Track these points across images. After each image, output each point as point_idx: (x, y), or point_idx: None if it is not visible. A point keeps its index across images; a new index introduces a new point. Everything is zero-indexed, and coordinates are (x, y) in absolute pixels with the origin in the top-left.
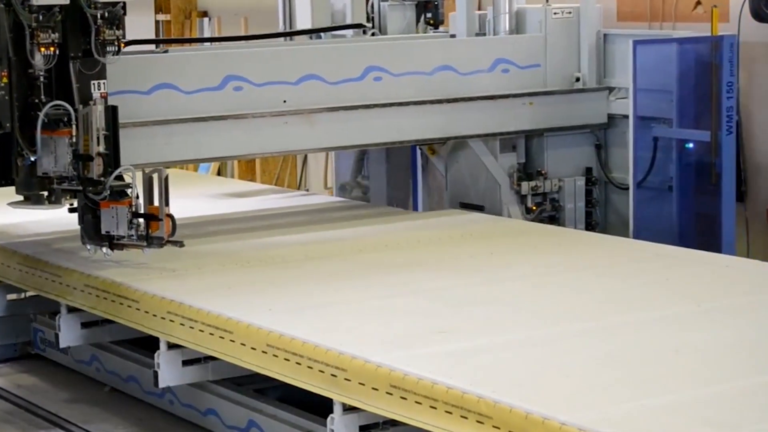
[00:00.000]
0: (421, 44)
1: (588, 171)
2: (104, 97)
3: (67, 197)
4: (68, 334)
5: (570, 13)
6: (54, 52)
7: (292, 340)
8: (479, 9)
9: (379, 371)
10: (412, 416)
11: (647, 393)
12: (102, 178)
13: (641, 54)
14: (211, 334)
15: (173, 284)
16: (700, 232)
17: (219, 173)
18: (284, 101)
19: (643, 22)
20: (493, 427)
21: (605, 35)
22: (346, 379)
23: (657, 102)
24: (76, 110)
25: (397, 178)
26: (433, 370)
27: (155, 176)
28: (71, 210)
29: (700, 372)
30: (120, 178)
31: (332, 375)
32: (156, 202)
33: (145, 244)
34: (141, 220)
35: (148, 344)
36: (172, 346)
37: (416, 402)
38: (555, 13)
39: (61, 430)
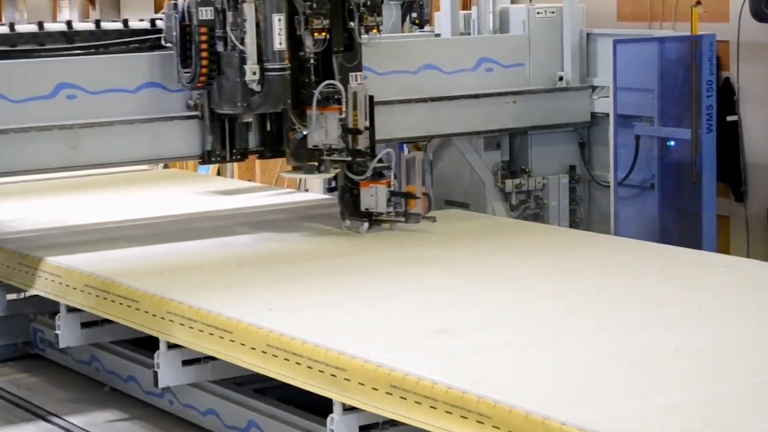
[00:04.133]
0: (406, 44)
1: (572, 169)
2: (360, 85)
3: (335, 167)
4: (68, 334)
5: (553, 12)
6: (325, 37)
7: (292, 340)
8: (465, 9)
9: (379, 371)
10: (412, 416)
11: (647, 393)
12: (368, 150)
13: (623, 53)
14: (211, 334)
15: (173, 284)
16: (682, 229)
17: (219, 173)
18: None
19: (643, 21)
20: (493, 427)
21: (588, 35)
22: (346, 379)
23: (639, 100)
24: (346, 89)
25: None
26: (433, 370)
27: (414, 159)
28: (330, 189)
29: (700, 372)
30: (379, 160)
31: (332, 375)
32: (414, 182)
33: (403, 219)
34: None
35: (148, 344)
36: (171, 346)
37: (416, 402)
38: (538, 13)
39: (60, 429)
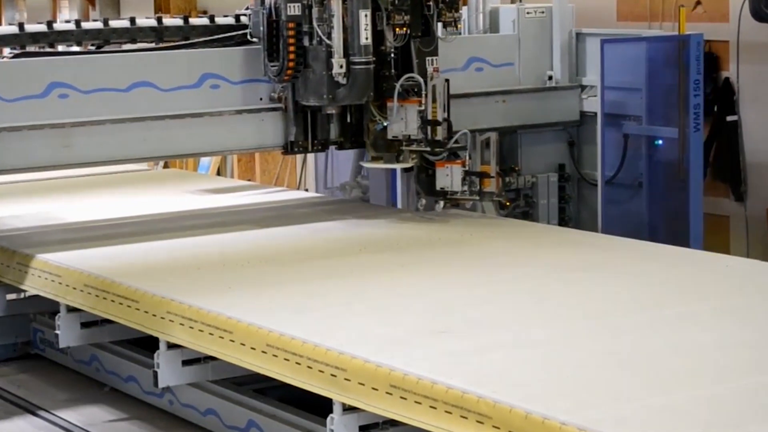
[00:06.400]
0: None
1: (561, 167)
2: (436, 71)
3: (413, 157)
4: (68, 334)
5: (543, 12)
6: (406, 32)
7: (292, 340)
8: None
9: (379, 371)
10: (412, 416)
11: (647, 393)
12: (446, 140)
13: (612, 53)
14: (210, 334)
15: (173, 284)
16: (669, 227)
17: (219, 173)
18: (260, 99)
19: (643, 21)
20: (493, 427)
21: (577, 34)
22: (346, 379)
23: (627, 100)
24: (426, 82)
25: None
26: (433, 370)
27: (489, 139)
28: (406, 170)
29: (700, 372)
30: (455, 141)
31: (332, 375)
32: (488, 162)
33: (477, 198)
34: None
35: (148, 344)
36: (171, 346)
37: (416, 402)
38: (528, 13)
39: (60, 429)
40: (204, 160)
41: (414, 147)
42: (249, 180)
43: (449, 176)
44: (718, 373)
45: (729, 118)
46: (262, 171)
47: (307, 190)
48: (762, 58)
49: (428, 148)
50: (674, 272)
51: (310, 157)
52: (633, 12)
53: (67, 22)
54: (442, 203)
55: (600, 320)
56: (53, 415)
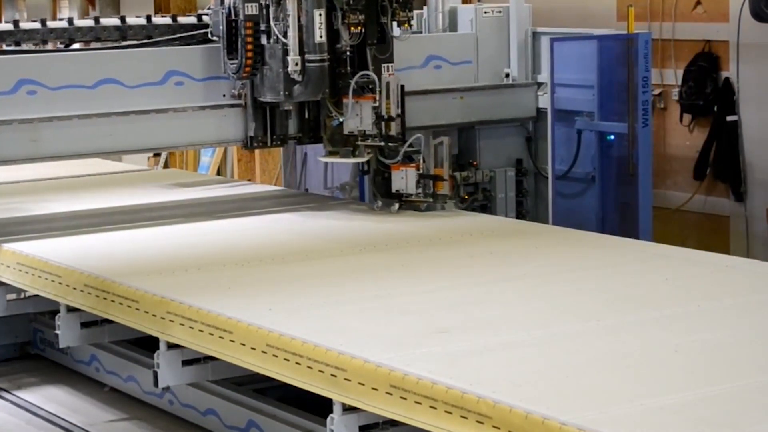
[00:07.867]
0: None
1: (518, 162)
2: (392, 76)
3: (368, 152)
4: (68, 334)
5: (500, 12)
6: (360, 31)
7: (292, 340)
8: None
9: (379, 371)
10: (412, 416)
11: (647, 393)
12: (400, 135)
13: (566, 51)
14: (210, 334)
15: (173, 284)
16: (621, 220)
17: (219, 173)
18: (223, 95)
19: (643, 21)
20: (493, 427)
21: (534, 33)
22: (346, 379)
23: (581, 96)
24: (380, 79)
25: None
26: (433, 370)
27: (442, 143)
28: (363, 172)
29: (700, 372)
30: (410, 145)
31: (332, 375)
32: (442, 166)
33: (431, 200)
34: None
35: (148, 344)
36: (171, 346)
37: (416, 402)
38: (485, 12)
39: (60, 429)
40: (204, 160)
41: (369, 142)
42: (249, 180)
43: (404, 179)
44: (719, 373)
45: (729, 118)
46: (262, 171)
47: (307, 190)
48: (762, 58)
49: (382, 143)
50: (674, 272)
51: (311, 156)
52: (633, 12)
53: (34, 21)
54: (397, 205)
55: (600, 320)
56: (53, 414)
